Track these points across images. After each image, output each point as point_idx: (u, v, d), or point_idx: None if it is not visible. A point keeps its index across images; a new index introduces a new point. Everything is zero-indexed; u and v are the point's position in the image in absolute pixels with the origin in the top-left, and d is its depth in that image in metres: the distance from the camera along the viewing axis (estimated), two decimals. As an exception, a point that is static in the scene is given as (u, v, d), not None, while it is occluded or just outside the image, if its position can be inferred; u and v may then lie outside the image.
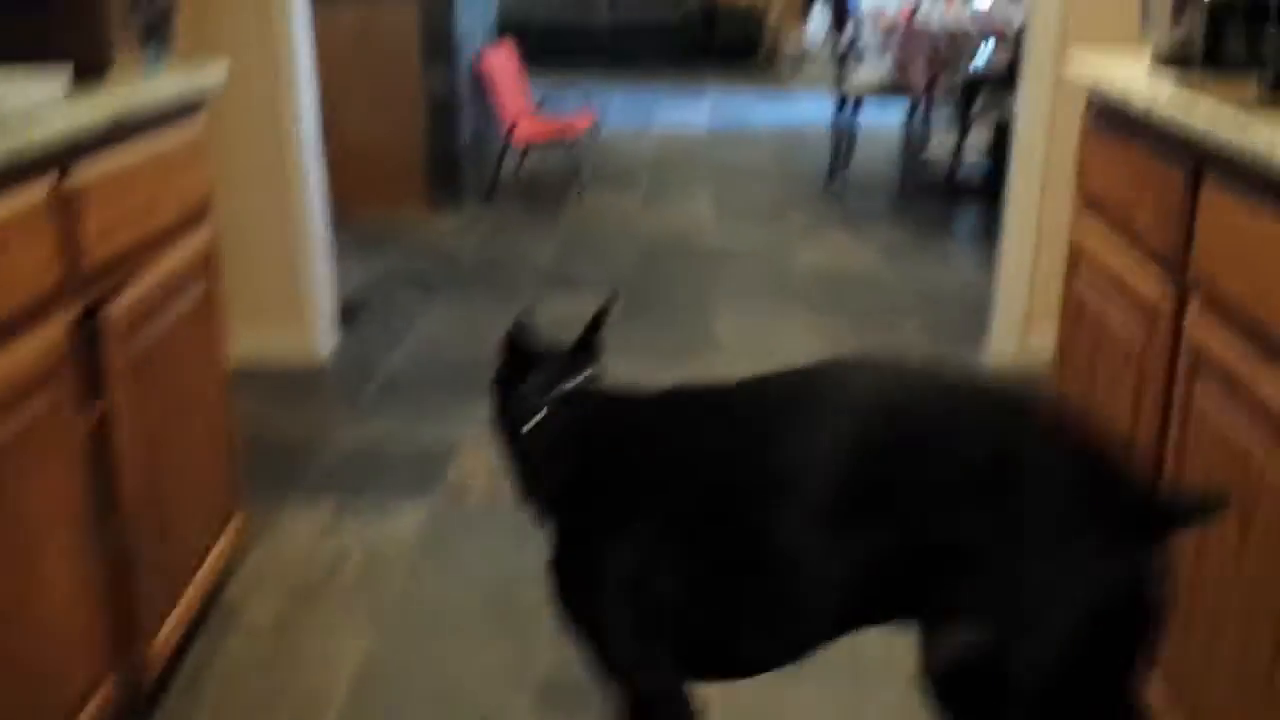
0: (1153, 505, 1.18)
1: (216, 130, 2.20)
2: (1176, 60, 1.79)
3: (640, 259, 4.49)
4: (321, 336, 3.51)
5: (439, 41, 5.02)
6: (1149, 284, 1.70)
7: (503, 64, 5.60)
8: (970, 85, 5.81)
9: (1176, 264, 1.61)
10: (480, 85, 5.33)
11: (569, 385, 1.44)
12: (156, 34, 1.70)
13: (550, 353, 1.49)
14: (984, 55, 4.89)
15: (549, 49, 10.07)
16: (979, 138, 6.29)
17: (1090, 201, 2.01)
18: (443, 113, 5.11)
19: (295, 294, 3.47)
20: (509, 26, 9.91)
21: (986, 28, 4.84)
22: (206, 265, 1.91)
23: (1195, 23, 1.76)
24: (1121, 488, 1.16)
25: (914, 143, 5.47)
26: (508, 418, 1.46)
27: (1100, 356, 1.92)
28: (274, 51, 3.30)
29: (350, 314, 3.85)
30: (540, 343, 1.50)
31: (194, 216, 1.86)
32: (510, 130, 5.34)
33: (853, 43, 5.63)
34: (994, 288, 3.49)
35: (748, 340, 3.61)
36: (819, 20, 8.69)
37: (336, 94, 5.13)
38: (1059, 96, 3.17)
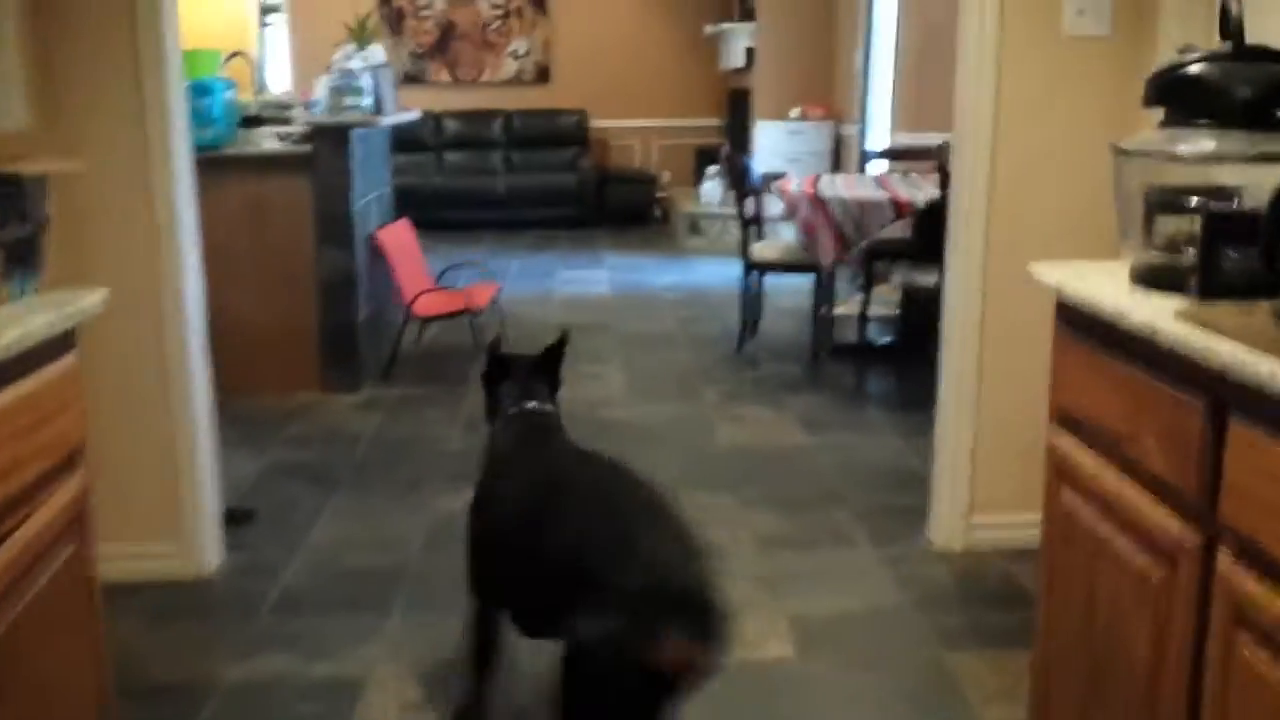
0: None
1: (86, 333, 1.92)
2: (1164, 280, 1.67)
3: (553, 442, 4.25)
4: (207, 548, 3.16)
5: (333, 218, 4.81)
6: (1165, 521, 1.53)
7: (400, 240, 5.41)
8: (872, 252, 5.83)
9: (1199, 505, 1.44)
10: (377, 260, 5.12)
11: (529, 406, 2.37)
12: (22, 260, 1.45)
13: (520, 362, 2.48)
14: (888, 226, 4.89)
15: (446, 215, 10.00)
16: (885, 293, 6.31)
17: (1070, 417, 1.86)
18: (338, 290, 4.87)
19: (176, 501, 3.13)
20: (406, 194, 9.84)
21: (894, 201, 4.85)
22: (77, 525, 1.61)
23: (1175, 238, 1.65)
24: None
25: (821, 308, 5.42)
26: (490, 404, 2.46)
27: (1102, 583, 1.74)
28: (154, 243, 3.03)
29: (240, 518, 3.50)
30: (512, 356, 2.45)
31: (63, 467, 1.57)
32: (409, 307, 5.12)
33: (757, 213, 5.61)
34: (931, 471, 3.34)
35: (677, 535, 3.36)
36: (713, 185, 8.79)
37: (225, 275, 4.85)
38: (990, 277, 3.09)
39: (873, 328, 5.95)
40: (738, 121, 9.48)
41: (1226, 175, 1.71)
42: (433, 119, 10.47)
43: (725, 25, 9.51)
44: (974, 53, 3.00)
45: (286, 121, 5.34)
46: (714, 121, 10.59)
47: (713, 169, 8.99)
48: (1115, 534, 1.68)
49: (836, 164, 8.71)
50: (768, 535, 3.36)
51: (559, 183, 10.13)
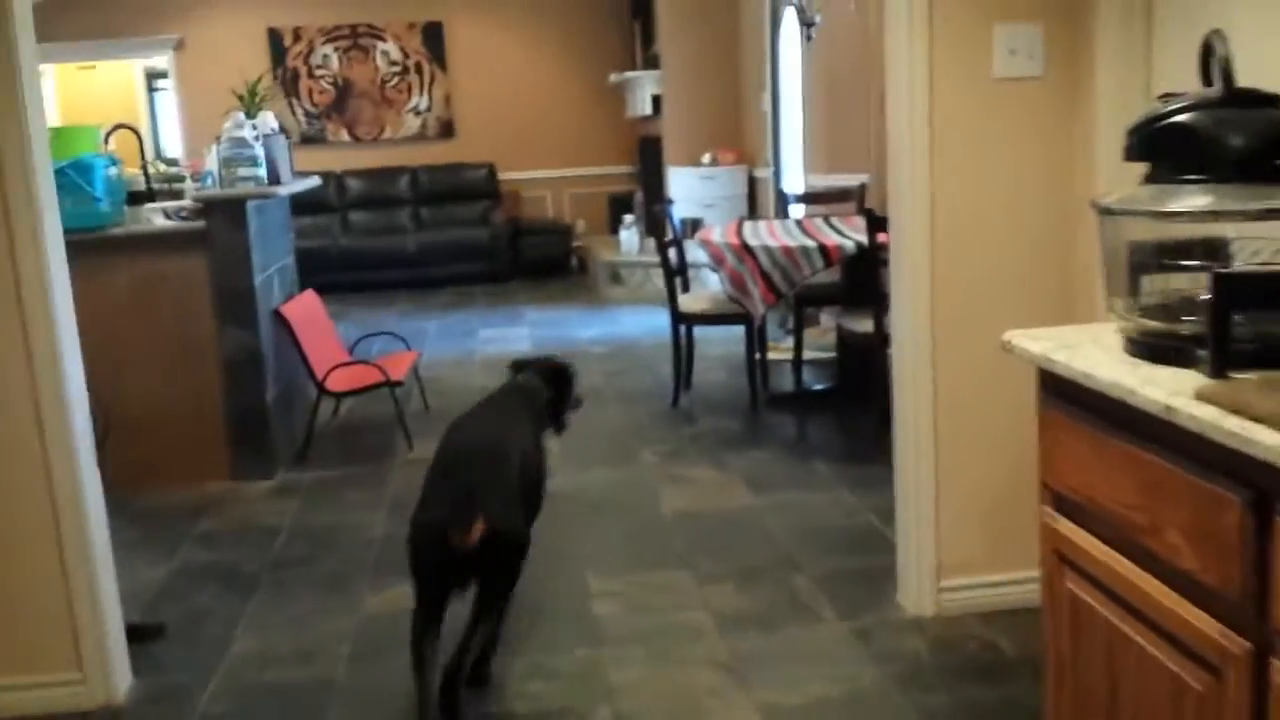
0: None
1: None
2: (1164, 351, 1.51)
3: (486, 521, 4.01)
4: (113, 673, 2.85)
5: (233, 295, 4.53)
6: (1204, 626, 1.37)
7: (307, 313, 5.14)
8: (801, 297, 5.71)
9: (1244, 609, 1.28)
10: (284, 335, 4.84)
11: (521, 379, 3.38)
12: None
13: (534, 361, 3.51)
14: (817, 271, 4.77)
15: (356, 278, 9.69)
16: (815, 335, 6.18)
17: (1068, 500, 1.69)
18: (243, 371, 4.58)
19: (73, 623, 2.81)
20: (312, 257, 9.51)
21: (823, 247, 4.73)
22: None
23: (1169, 302, 1.50)
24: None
25: (757, 359, 5.27)
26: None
27: (1126, 683, 1.57)
28: (24, 338, 2.73)
29: (148, 634, 3.19)
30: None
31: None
32: (322, 384, 4.84)
33: (681, 262, 5.45)
34: (896, 536, 3.18)
35: (636, 623, 3.14)
36: (630, 233, 8.64)
37: (119, 363, 4.53)
38: (938, 330, 2.95)
39: (807, 372, 5.83)
40: (650, 168, 9.37)
41: (1217, 229, 1.57)
42: (335, 179, 10.19)
43: (629, 74, 9.42)
44: (904, 98, 2.87)
45: (179, 195, 5.05)
46: (625, 169, 10.48)
47: (629, 217, 8.85)
48: (1141, 633, 1.51)
49: (753, 207, 8.64)
50: (728, 614, 3.16)
51: (471, 237, 9.90)
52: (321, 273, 9.57)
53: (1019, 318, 2.96)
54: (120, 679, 2.88)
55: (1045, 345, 1.68)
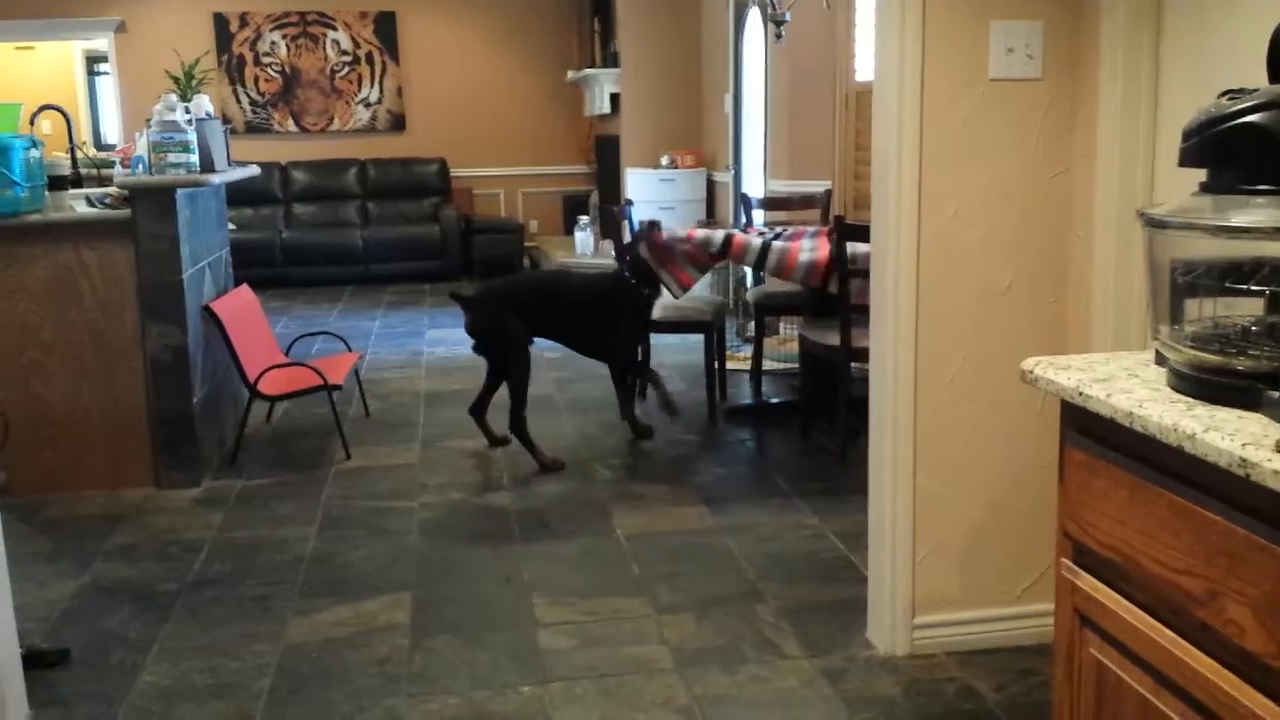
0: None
1: None
2: (1221, 388, 1.30)
3: (426, 541, 3.74)
4: (7, 706, 2.54)
5: (159, 289, 4.21)
6: (1273, 717, 1.15)
7: (239, 310, 4.82)
8: (762, 306, 5.50)
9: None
10: (215, 332, 4.53)
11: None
12: None
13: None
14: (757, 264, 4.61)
15: (300, 272, 9.34)
16: (773, 345, 5.97)
17: (1093, 554, 1.48)
18: (169, 371, 4.26)
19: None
20: (254, 250, 9.16)
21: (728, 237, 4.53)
22: None
23: (1225, 329, 1.28)
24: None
25: (714, 367, 5.04)
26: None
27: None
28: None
29: (48, 661, 2.88)
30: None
31: None
32: (254, 387, 4.53)
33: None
34: (868, 569, 2.96)
35: (586, 658, 2.89)
36: (585, 234, 8.38)
37: (34, 359, 4.20)
38: (922, 349, 2.73)
39: (766, 383, 5.61)
40: (607, 168, 9.12)
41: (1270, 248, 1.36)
42: (279, 170, 9.84)
43: (587, 71, 9.16)
44: (894, 98, 2.65)
45: (108, 181, 4.72)
46: (582, 169, 10.22)
47: (584, 218, 8.59)
48: (1188, 716, 1.29)
49: (711, 211, 8.42)
50: (687, 648, 2.91)
51: (421, 234, 9.59)
52: (263, 266, 9.24)
53: (1009, 337, 2.76)
54: (14, 713, 2.58)
55: (1077, 378, 1.46)
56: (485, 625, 3.09)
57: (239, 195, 9.41)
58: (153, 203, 4.19)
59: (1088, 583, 1.48)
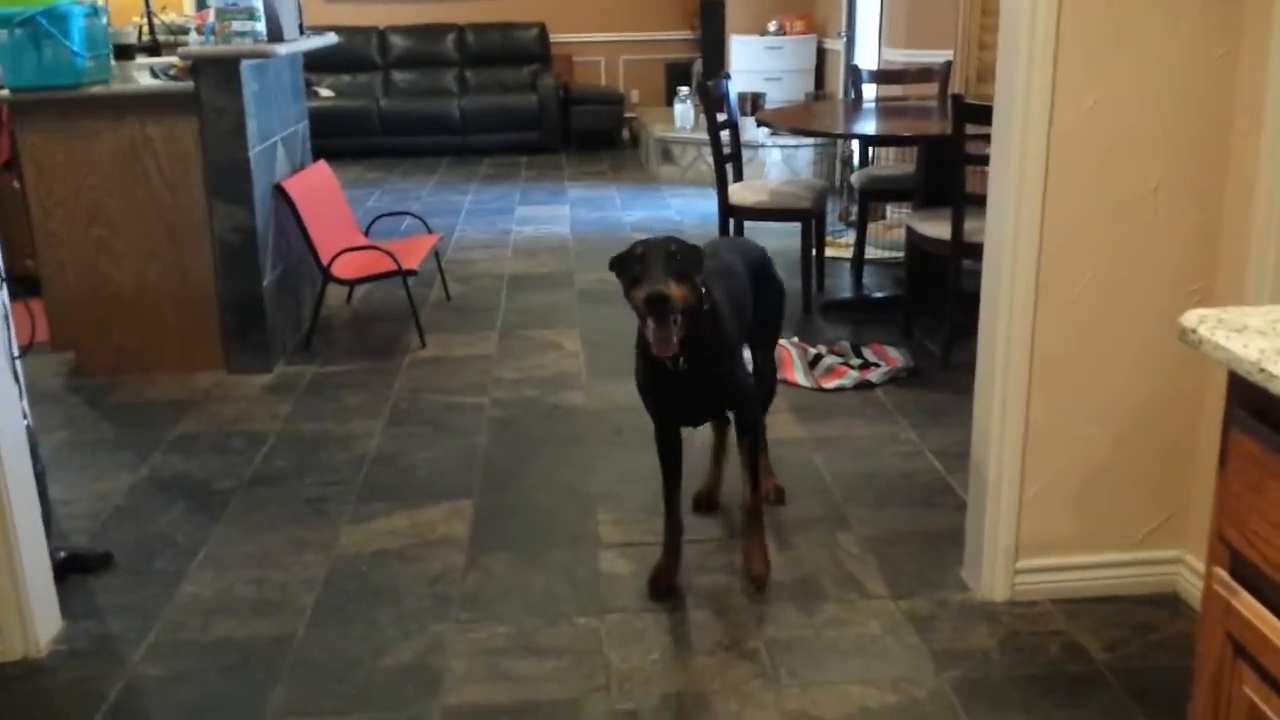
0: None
1: None
2: None
3: (496, 439, 3.53)
4: (35, 617, 2.44)
5: (226, 167, 4.01)
6: None
7: (314, 188, 4.60)
8: (867, 190, 5.08)
9: None
10: (288, 213, 4.33)
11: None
12: None
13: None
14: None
15: (397, 142, 9.12)
16: (878, 232, 5.56)
17: (1253, 569, 1.15)
18: (238, 252, 4.08)
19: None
20: (352, 119, 8.94)
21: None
22: None
23: None
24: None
25: (812, 255, 4.66)
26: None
27: None
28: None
29: (90, 565, 2.78)
30: None
31: None
32: (327, 270, 4.34)
33: (736, 147, 4.82)
34: (969, 506, 2.65)
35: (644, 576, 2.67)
36: (686, 107, 7.93)
37: (102, 239, 4.06)
38: (1045, 269, 2.35)
39: (868, 275, 5.23)
40: (711, 35, 8.59)
41: None
42: (377, 34, 9.54)
43: (695, -73, 8.57)
44: (1026, -42, 2.22)
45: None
46: (686, 35, 9.67)
47: (685, 89, 8.14)
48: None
49: (819, 82, 7.89)
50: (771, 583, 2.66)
51: (519, 104, 9.24)
52: (362, 135, 9.04)
53: (1149, 251, 2.35)
54: (45, 626, 2.47)
55: (1259, 346, 1.11)
56: (545, 542, 2.88)
57: (336, 61, 9.17)
58: (217, 74, 3.95)
59: (1248, 605, 1.16)
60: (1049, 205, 2.32)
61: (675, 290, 2.22)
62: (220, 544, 2.91)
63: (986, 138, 4.18)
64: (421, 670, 2.35)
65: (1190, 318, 1.23)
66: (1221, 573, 1.23)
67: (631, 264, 2.28)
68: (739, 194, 4.70)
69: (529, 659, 2.38)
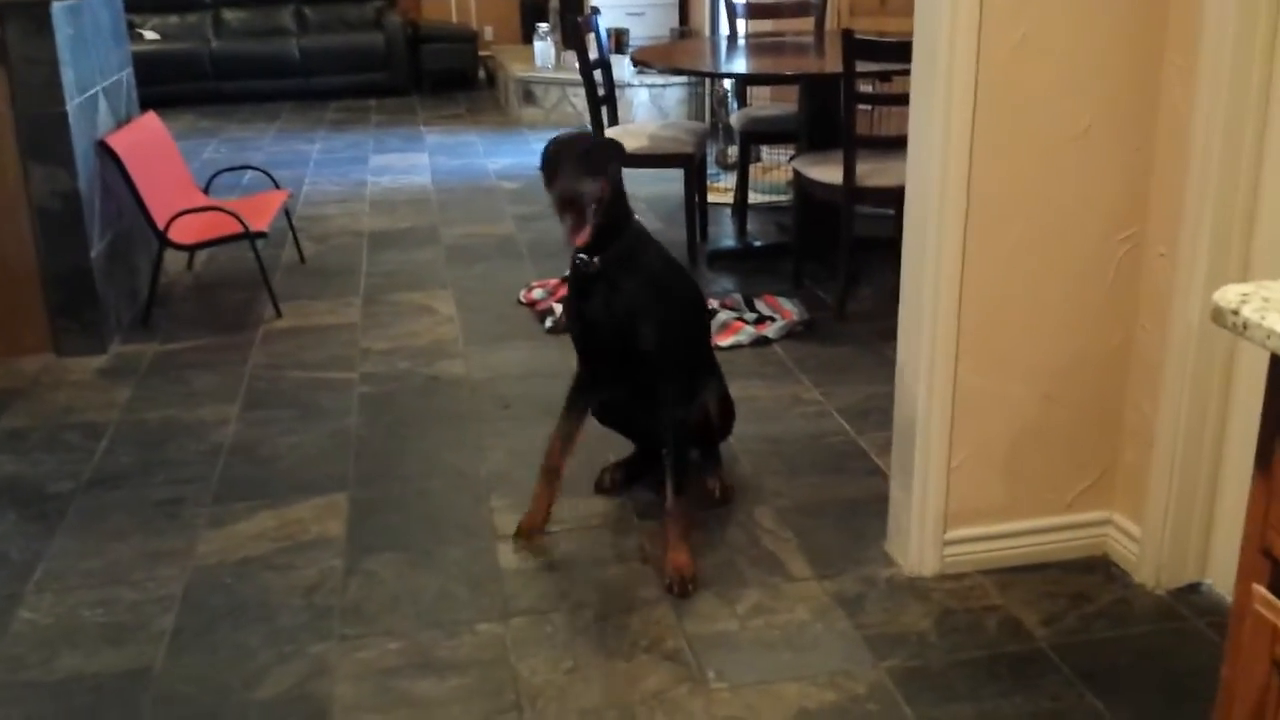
0: None
1: None
2: None
3: (370, 420, 3.22)
4: None
5: (40, 123, 3.54)
6: None
7: (144, 143, 4.13)
8: (747, 134, 4.87)
9: None
10: (115, 173, 3.87)
11: None
12: None
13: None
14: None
15: (230, 87, 8.50)
16: (758, 175, 5.37)
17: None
18: (59, 219, 3.63)
19: None
20: (178, 63, 8.26)
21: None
22: None
23: None
24: None
25: (694, 201, 4.44)
26: None
27: None
28: None
29: (-98, 599, 2.39)
30: None
31: None
32: (164, 235, 3.90)
33: (609, 88, 4.54)
34: (891, 476, 2.48)
35: (554, 585, 2.43)
36: (546, 45, 7.57)
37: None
38: (974, 199, 2.17)
39: (751, 220, 5.03)
40: (568, -34, 8.20)
41: None
42: (204, -30, 8.84)
43: None
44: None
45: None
46: (540, -33, 9.23)
47: (544, 26, 7.76)
48: None
49: (683, 16, 7.62)
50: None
51: (363, 43, 8.72)
52: (193, 80, 8.39)
53: (1080, 195, 2.19)
54: None
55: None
56: (435, 537, 2.60)
57: (159, 0, 8.49)
58: (26, 20, 3.47)
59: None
60: (976, 150, 2.13)
61: (588, 186, 2.27)
62: (60, 559, 2.55)
63: (878, 75, 4.03)
64: (304, 700, 2.07)
65: (1228, 296, 1.04)
66: (1261, 590, 1.06)
67: (547, 162, 2.36)
68: (618, 139, 4.41)
69: (427, 678, 2.12)
